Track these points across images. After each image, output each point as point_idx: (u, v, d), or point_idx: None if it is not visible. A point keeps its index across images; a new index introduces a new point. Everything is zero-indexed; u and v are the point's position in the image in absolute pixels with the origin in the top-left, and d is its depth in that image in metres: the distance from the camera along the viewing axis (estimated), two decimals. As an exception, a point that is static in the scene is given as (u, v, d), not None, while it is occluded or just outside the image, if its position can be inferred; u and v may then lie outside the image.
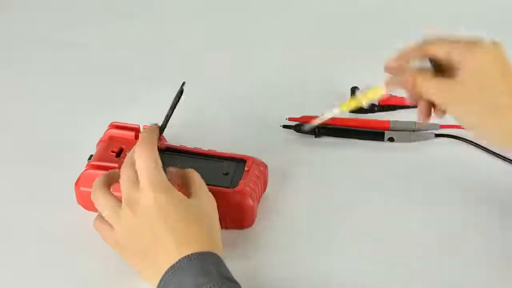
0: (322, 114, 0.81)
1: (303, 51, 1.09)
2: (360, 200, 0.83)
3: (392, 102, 0.97)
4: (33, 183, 0.85)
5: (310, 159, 0.89)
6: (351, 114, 0.96)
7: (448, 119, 0.77)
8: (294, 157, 0.89)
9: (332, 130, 0.93)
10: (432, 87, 0.73)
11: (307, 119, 0.93)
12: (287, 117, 0.94)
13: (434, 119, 0.77)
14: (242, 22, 1.16)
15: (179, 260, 0.66)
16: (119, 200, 0.71)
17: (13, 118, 0.96)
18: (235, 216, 0.78)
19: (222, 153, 0.83)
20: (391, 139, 0.91)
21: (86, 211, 0.80)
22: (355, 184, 0.86)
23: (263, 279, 0.72)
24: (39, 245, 0.78)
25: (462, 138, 0.92)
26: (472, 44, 0.71)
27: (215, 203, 0.73)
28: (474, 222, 0.80)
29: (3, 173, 0.87)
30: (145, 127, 0.79)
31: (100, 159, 0.80)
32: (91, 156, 0.82)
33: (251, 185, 0.79)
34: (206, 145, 0.84)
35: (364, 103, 0.80)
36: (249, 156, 0.82)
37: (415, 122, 0.93)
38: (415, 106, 0.95)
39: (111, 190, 0.72)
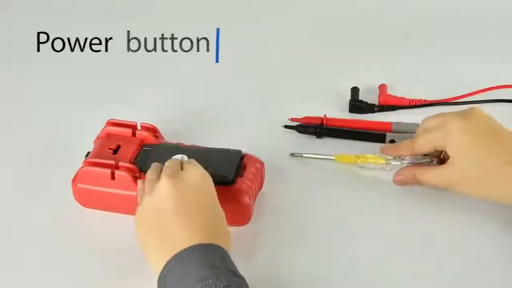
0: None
1: (303, 51, 1.09)
2: (359, 200, 0.83)
3: (392, 102, 0.97)
4: (32, 182, 0.85)
5: (310, 159, 0.89)
6: (351, 114, 0.96)
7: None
8: (294, 156, 0.89)
9: (333, 131, 0.93)
10: (432, 179, 0.80)
11: (309, 119, 0.93)
12: (289, 117, 0.94)
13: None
14: (242, 22, 1.16)
15: (184, 250, 0.66)
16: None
17: (12, 118, 0.96)
18: (232, 213, 0.77)
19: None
20: (392, 141, 0.91)
21: (85, 209, 0.80)
22: (355, 184, 0.86)
23: (258, 276, 0.72)
24: (38, 244, 0.78)
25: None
26: (446, 129, 0.77)
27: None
28: (474, 222, 0.80)
29: (2, 172, 0.87)
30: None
31: (97, 156, 0.80)
32: (88, 153, 0.82)
33: (247, 182, 0.79)
34: (206, 145, 0.84)
35: (359, 164, 0.85)
36: (246, 153, 0.82)
37: (417, 124, 0.92)
38: (415, 106, 0.96)
39: None
